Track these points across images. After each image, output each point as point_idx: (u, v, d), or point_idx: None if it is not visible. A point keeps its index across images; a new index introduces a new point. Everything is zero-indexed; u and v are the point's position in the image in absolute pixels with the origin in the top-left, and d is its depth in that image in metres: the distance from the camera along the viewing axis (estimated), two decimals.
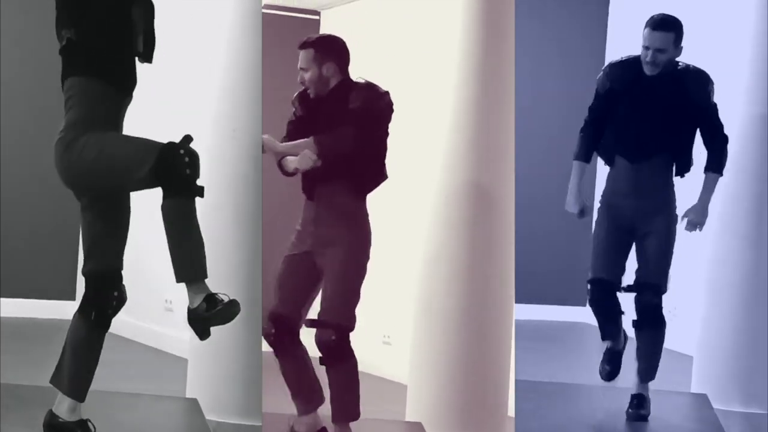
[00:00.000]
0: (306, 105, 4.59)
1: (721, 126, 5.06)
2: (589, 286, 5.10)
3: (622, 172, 5.07)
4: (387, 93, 4.54)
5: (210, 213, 5.45)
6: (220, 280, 5.37)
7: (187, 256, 4.03)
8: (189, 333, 5.53)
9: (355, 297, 4.48)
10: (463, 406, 5.57)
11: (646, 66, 4.96)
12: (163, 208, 3.97)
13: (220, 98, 5.47)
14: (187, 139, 3.99)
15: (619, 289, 5.10)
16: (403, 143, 5.71)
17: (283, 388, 4.66)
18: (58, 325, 8.24)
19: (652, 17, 4.97)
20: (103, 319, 4.16)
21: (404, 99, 6.63)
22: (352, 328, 4.49)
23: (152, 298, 7.77)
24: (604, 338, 5.21)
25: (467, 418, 5.57)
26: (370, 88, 4.54)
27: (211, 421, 5.17)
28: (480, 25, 5.61)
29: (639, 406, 5.14)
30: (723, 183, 6.13)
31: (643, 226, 5.07)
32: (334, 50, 4.55)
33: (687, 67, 5.05)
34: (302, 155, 4.38)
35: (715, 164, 5.05)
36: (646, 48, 4.95)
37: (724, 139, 5.07)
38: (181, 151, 3.93)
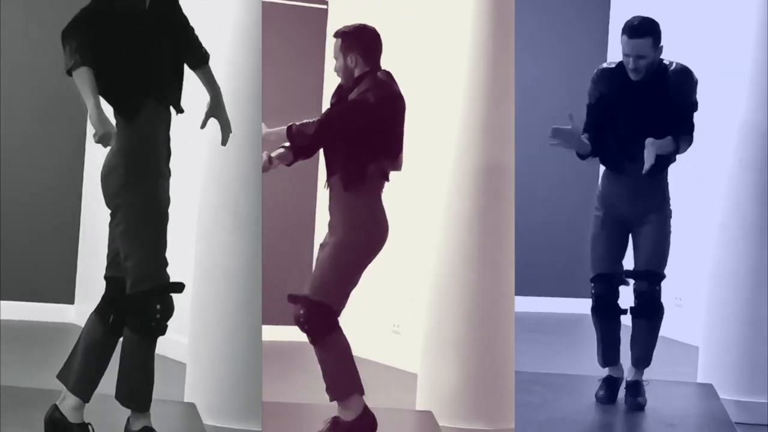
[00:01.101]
0: (337, 96, 4.58)
1: (691, 123, 5.04)
2: (592, 285, 5.12)
3: (619, 172, 5.11)
4: (373, 91, 4.45)
5: (210, 215, 5.42)
6: (219, 285, 5.35)
7: (136, 388, 4.14)
8: (188, 337, 5.51)
9: (333, 278, 4.38)
10: (473, 394, 5.59)
11: (630, 73, 4.98)
12: (125, 336, 4.12)
13: None
14: (177, 288, 4.12)
15: (622, 282, 5.12)
16: (415, 133, 5.69)
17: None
18: (56, 328, 8.22)
19: (627, 24, 4.95)
20: (119, 325, 4.18)
21: (415, 89, 6.63)
22: (326, 305, 4.37)
23: None
24: (603, 363, 5.22)
25: (477, 406, 5.58)
26: (375, 83, 4.48)
27: (209, 425, 5.15)
28: (490, 13, 5.63)
29: (636, 393, 5.13)
30: (727, 172, 6.12)
31: (639, 222, 5.12)
32: (360, 41, 4.52)
33: (670, 65, 5.05)
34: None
35: (679, 140, 4.99)
36: (626, 55, 4.96)
37: (688, 139, 5.04)
38: (158, 306, 4.08)
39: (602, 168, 5.27)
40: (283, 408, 5.11)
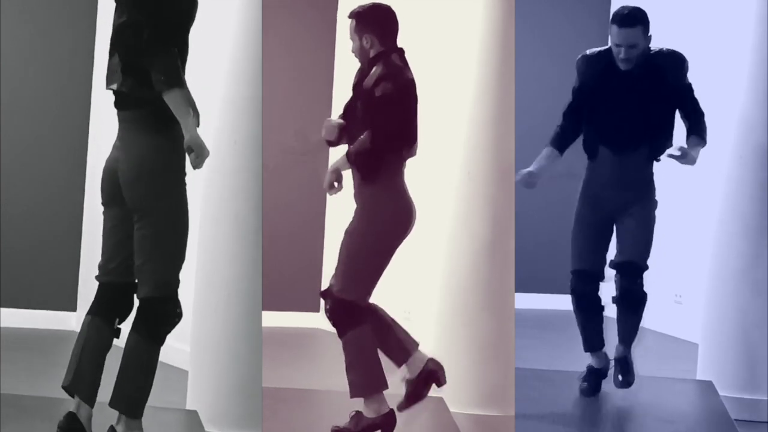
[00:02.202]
0: (358, 78, 4.58)
1: (697, 102, 5.03)
2: (571, 278, 5.08)
3: (604, 163, 5.03)
4: (392, 80, 4.43)
5: (210, 223, 5.43)
6: (220, 294, 5.35)
7: (134, 392, 4.16)
8: (189, 344, 5.52)
9: (354, 270, 4.42)
10: (484, 381, 5.62)
11: (621, 63, 4.93)
12: (135, 341, 4.14)
13: (221, 109, 5.44)
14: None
15: (602, 279, 5.08)
16: (426, 119, 5.73)
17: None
18: (58, 335, 8.21)
19: (617, 14, 4.92)
20: (118, 330, 4.26)
21: (428, 76, 6.66)
22: (349, 299, 4.41)
23: None
24: (586, 348, 5.22)
25: (488, 392, 5.60)
26: (390, 70, 4.45)
27: None
28: (495, 6, 5.67)
29: (624, 371, 5.12)
30: (727, 169, 6.11)
31: (622, 212, 5.04)
32: (374, 21, 4.50)
33: (660, 51, 5.00)
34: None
35: (696, 128, 4.98)
36: (617, 45, 4.92)
37: (701, 114, 5.03)
38: (177, 310, 4.17)
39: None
40: (284, 394, 5.14)
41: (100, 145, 8.28)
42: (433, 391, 5.67)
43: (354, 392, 4.44)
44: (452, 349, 5.67)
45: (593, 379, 5.21)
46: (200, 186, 5.55)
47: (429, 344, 5.90)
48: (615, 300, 5.07)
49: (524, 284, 9.21)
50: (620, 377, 5.13)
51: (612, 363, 5.20)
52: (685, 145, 4.91)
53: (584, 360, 6.33)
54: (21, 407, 4.85)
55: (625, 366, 5.14)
